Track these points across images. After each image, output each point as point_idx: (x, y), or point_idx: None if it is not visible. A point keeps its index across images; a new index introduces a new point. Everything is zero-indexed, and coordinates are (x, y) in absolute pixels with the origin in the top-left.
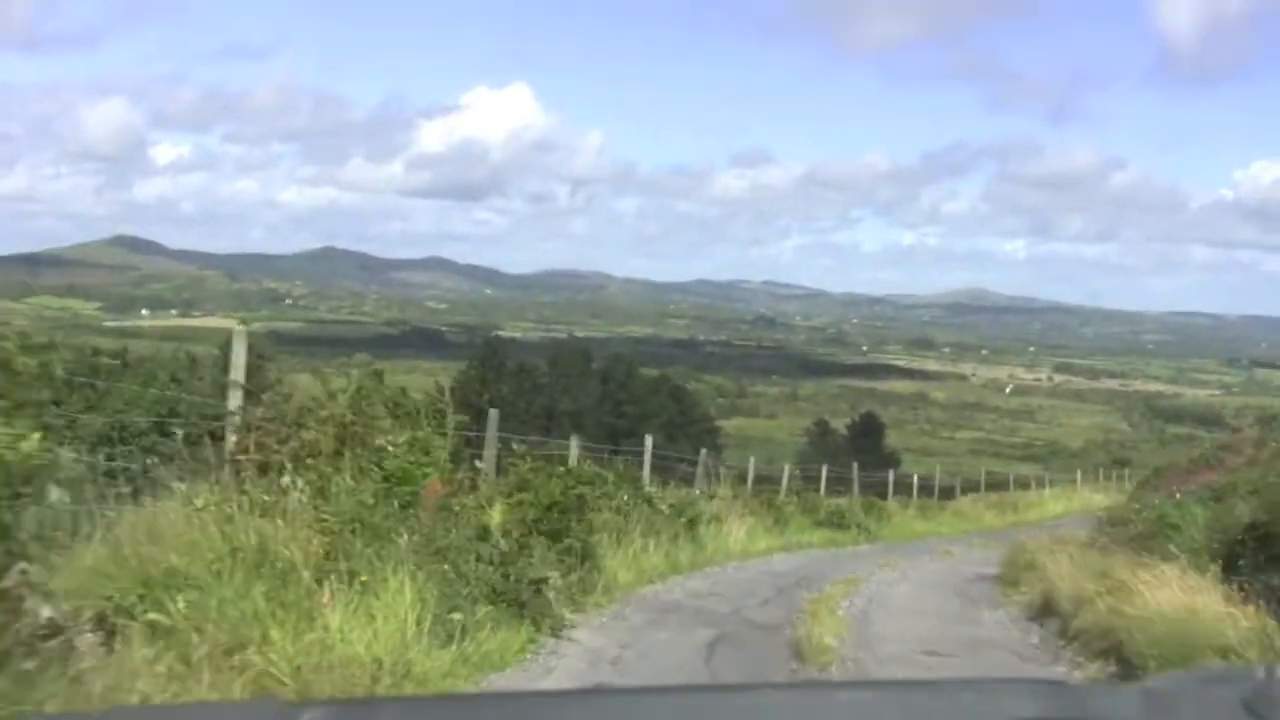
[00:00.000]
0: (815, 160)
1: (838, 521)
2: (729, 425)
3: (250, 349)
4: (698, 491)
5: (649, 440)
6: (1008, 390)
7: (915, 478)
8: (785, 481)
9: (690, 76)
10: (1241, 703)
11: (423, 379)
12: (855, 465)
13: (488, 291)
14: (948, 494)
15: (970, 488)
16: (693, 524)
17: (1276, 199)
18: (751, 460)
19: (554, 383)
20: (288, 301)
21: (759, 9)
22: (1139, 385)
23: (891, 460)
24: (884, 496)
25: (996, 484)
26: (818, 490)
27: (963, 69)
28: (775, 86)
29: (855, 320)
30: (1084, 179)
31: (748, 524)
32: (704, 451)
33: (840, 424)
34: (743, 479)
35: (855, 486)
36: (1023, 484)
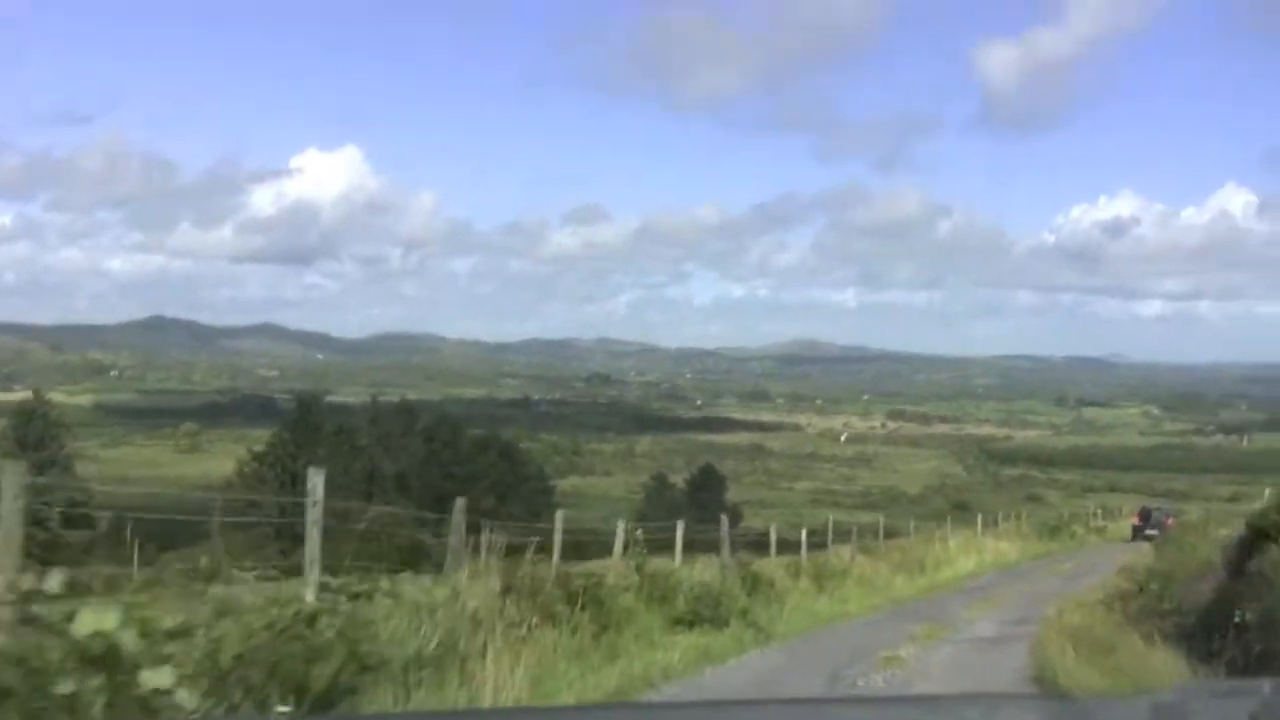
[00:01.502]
0: (648, 215)
1: (709, 614)
2: (565, 484)
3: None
4: (439, 582)
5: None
6: (843, 439)
7: (772, 530)
8: (619, 547)
9: (524, 136)
10: (1249, 717)
11: (253, 446)
12: (724, 520)
13: (319, 357)
14: (818, 547)
15: (843, 536)
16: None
17: (1095, 242)
18: (559, 517)
19: (375, 444)
20: (114, 373)
21: (591, 68)
22: (971, 429)
23: (734, 514)
24: (760, 554)
25: (875, 531)
26: (664, 553)
27: (793, 119)
28: (609, 143)
29: (689, 375)
30: (911, 227)
31: (533, 653)
32: (458, 503)
33: (679, 478)
34: (543, 549)
35: (726, 548)
36: (916, 532)
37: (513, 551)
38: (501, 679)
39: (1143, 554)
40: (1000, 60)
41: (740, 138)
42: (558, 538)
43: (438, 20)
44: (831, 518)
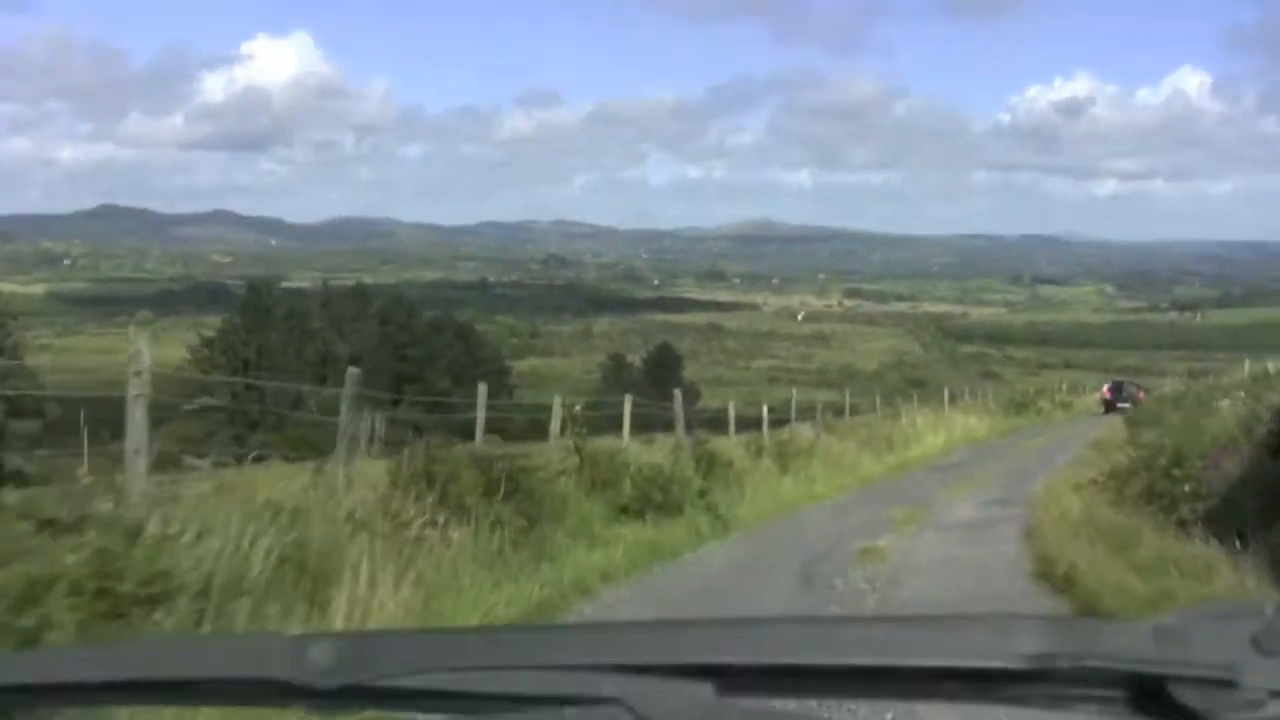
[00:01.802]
0: (602, 98)
1: (659, 500)
2: (523, 365)
3: None
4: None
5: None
6: (800, 318)
7: (730, 407)
8: (555, 425)
9: (476, 21)
10: (1250, 638)
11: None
12: (678, 394)
13: (273, 243)
14: (779, 424)
15: (804, 414)
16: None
17: (1050, 122)
18: (481, 391)
19: (328, 328)
20: (66, 262)
21: None
22: (927, 307)
23: (691, 392)
24: (718, 432)
25: (838, 408)
26: (618, 433)
27: (749, 4)
28: (562, 27)
29: (646, 255)
30: (868, 109)
31: (430, 561)
32: (350, 375)
33: (636, 358)
34: (463, 432)
35: (680, 425)
36: (881, 408)
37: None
38: (381, 598)
39: (1115, 428)
40: None
41: (696, 22)
42: (481, 415)
43: None
44: (795, 394)
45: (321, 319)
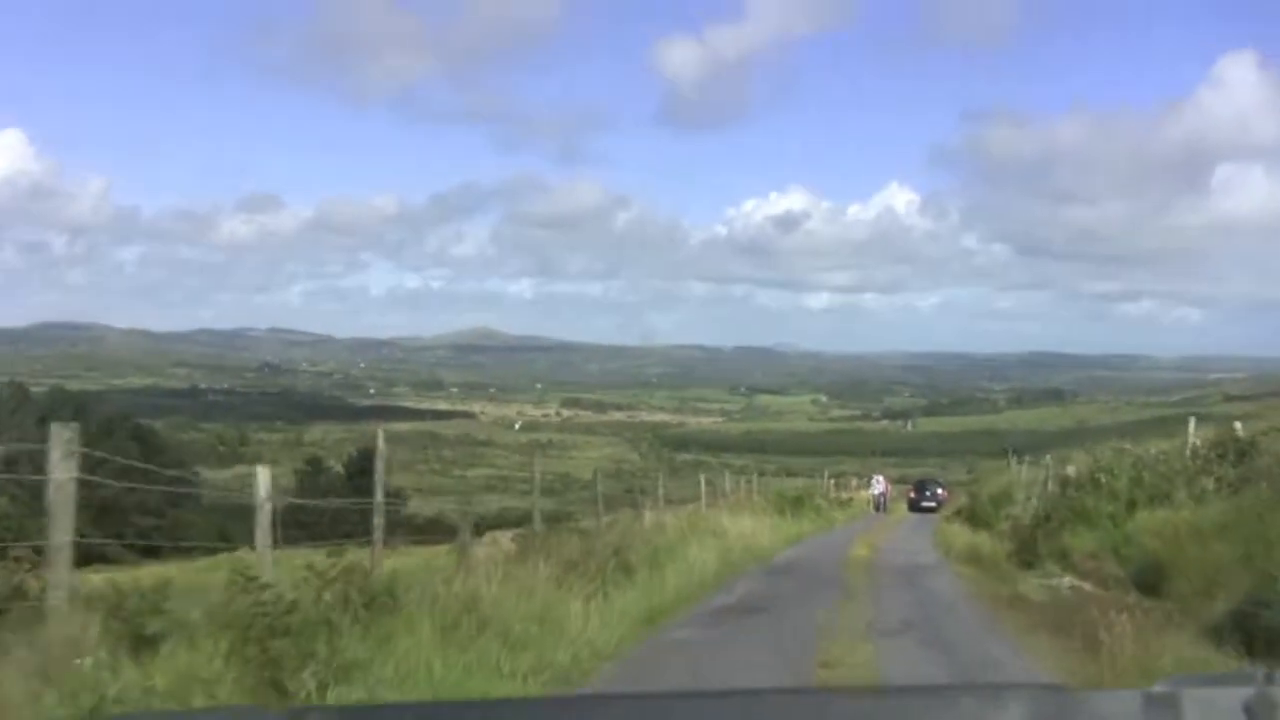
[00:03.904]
0: (324, 204)
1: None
2: (227, 474)
3: None
4: None
5: None
6: (517, 426)
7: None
8: None
9: (198, 123)
10: (1243, 707)
11: None
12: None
13: None
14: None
15: (504, 522)
16: None
17: (766, 235)
18: None
19: None
20: None
21: (270, 56)
22: (645, 416)
23: (398, 497)
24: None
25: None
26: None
27: (474, 111)
28: (286, 132)
29: (364, 364)
30: (589, 219)
31: None
32: None
33: (337, 464)
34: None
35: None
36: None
37: None
38: None
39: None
40: (680, 57)
41: (420, 128)
42: None
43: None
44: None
45: None
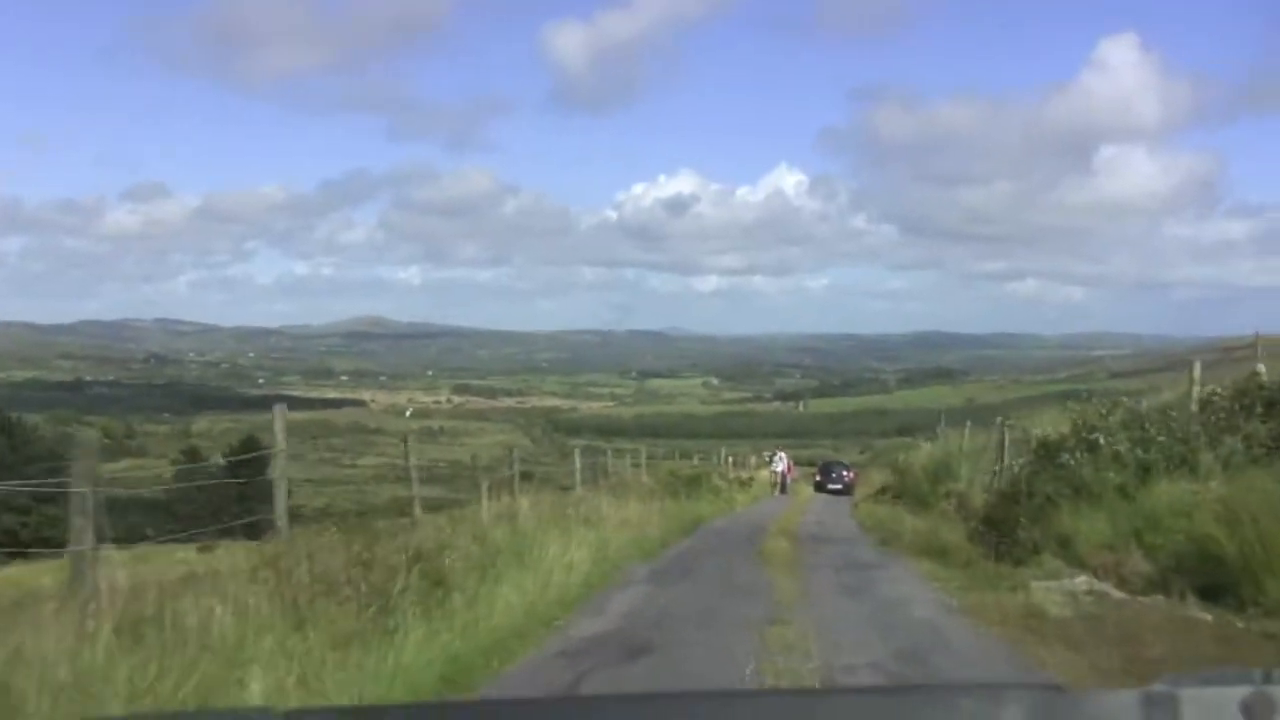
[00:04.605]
0: (211, 193)
1: None
2: (115, 467)
3: None
4: None
5: None
6: (408, 414)
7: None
8: None
9: (83, 113)
10: (1240, 705)
11: None
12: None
13: None
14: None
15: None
16: None
17: (655, 220)
18: None
19: None
20: None
21: (159, 45)
22: (536, 402)
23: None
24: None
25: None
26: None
27: (365, 100)
28: (174, 121)
29: (252, 354)
30: (478, 205)
31: None
32: None
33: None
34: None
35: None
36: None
37: None
38: None
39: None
40: (569, 42)
41: (310, 117)
42: None
43: None
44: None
45: None
